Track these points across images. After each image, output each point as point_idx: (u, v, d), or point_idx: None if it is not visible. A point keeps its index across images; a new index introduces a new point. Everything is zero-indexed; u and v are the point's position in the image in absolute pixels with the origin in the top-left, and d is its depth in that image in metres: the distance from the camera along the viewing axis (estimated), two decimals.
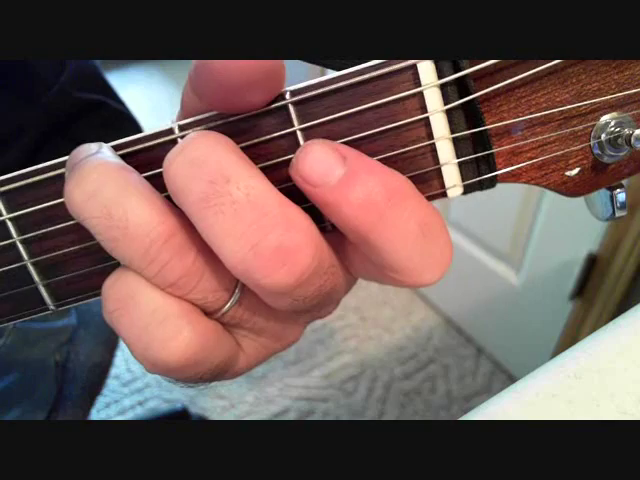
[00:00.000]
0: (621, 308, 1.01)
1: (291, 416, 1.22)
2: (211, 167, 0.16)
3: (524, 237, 1.13)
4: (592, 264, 1.01)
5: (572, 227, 1.02)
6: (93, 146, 0.19)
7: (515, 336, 1.26)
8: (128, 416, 1.24)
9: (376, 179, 0.17)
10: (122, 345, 1.52)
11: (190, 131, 0.19)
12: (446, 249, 0.18)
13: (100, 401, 1.26)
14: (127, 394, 1.30)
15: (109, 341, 0.67)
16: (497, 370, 1.32)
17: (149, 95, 2.53)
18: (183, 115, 0.21)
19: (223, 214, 0.16)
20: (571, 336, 1.10)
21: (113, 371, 1.29)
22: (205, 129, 0.19)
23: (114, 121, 0.49)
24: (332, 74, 0.18)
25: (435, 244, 0.18)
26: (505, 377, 1.30)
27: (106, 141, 0.48)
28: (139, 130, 0.52)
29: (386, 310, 1.46)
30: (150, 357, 0.19)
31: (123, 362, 1.36)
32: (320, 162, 0.17)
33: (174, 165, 0.17)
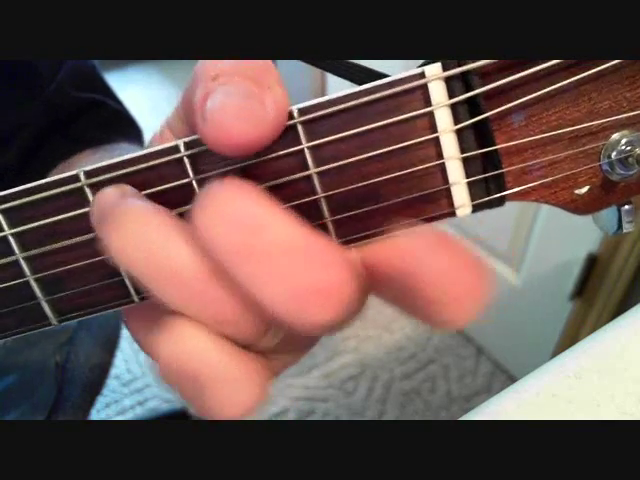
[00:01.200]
0: (621, 308, 1.02)
1: (291, 416, 1.22)
2: (240, 219, 0.16)
3: (524, 237, 1.14)
4: (592, 264, 1.01)
5: (572, 227, 1.02)
6: (115, 191, 0.19)
7: (515, 336, 1.27)
8: (128, 416, 1.24)
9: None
10: (122, 345, 1.52)
11: (196, 150, 0.18)
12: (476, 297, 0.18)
13: (100, 401, 1.26)
14: (127, 394, 1.31)
15: (109, 342, 0.67)
16: (497, 370, 1.33)
17: (148, 95, 2.53)
18: (184, 116, 0.20)
19: (258, 264, 0.16)
20: (571, 336, 1.10)
21: (113, 371, 1.29)
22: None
23: (113, 121, 0.49)
24: (340, 93, 0.18)
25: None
26: (505, 377, 1.31)
27: (106, 140, 0.47)
28: (138, 130, 0.51)
29: (386, 310, 1.46)
30: (206, 413, 0.19)
31: (123, 362, 1.37)
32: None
33: (204, 220, 0.17)
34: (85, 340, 0.63)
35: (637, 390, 0.28)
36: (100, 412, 1.25)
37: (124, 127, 0.50)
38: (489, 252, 1.26)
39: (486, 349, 1.36)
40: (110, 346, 0.67)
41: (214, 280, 0.17)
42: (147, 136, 0.53)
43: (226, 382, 0.18)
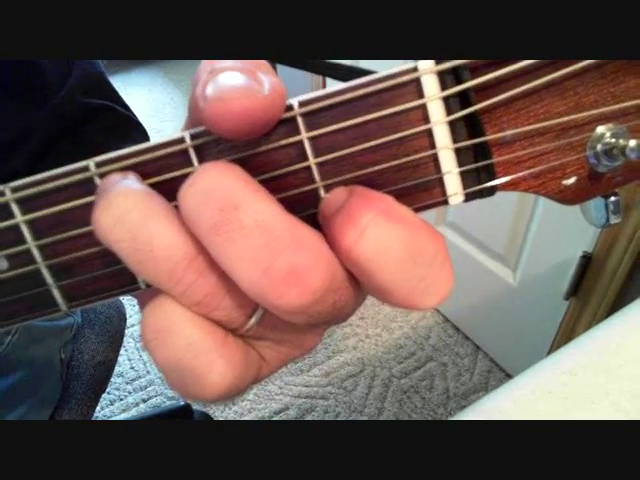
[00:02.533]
0: (615, 307, 1.02)
1: (291, 413, 1.23)
2: (219, 195, 0.17)
3: (520, 237, 1.14)
4: (587, 264, 1.02)
5: (567, 227, 1.02)
6: (118, 175, 0.19)
7: (512, 335, 1.27)
8: (132, 413, 1.25)
9: (359, 198, 0.18)
10: (126, 344, 1.52)
11: (201, 140, 0.19)
12: (445, 278, 0.18)
13: (104, 398, 1.26)
14: (131, 392, 1.31)
15: (113, 339, 0.67)
16: (494, 368, 1.33)
17: (151, 97, 2.54)
18: (191, 121, 0.21)
19: (233, 240, 0.17)
20: (567, 334, 1.10)
21: (117, 369, 1.28)
22: (214, 139, 0.19)
23: (121, 126, 0.50)
24: (338, 86, 0.19)
25: (430, 272, 0.18)
26: (502, 375, 1.31)
27: (113, 145, 0.48)
28: (145, 135, 0.52)
29: (385, 309, 1.47)
30: (185, 390, 0.19)
31: (127, 360, 1.37)
32: (332, 195, 0.19)
33: (186, 197, 0.17)
34: (89, 338, 0.64)
35: (631, 387, 0.28)
36: (104, 409, 1.25)
37: (132, 132, 0.50)
38: (486, 253, 1.26)
39: (483, 348, 1.37)
40: (114, 344, 0.67)
41: (193, 263, 0.18)
42: (151, 137, 0.54)
43: (200, 357, 0.19)
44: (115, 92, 0.50)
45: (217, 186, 0.17)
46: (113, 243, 0.18)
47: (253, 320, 0.20)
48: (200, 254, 0.18)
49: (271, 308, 0.18)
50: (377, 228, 0.17)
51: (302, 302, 0.17)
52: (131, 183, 0.19)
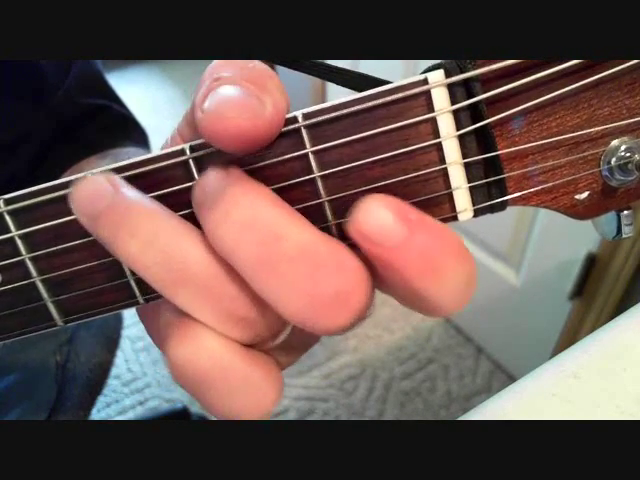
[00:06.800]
0: (620, 308, 1.02)
1: (291, 416, 1.23)
2: (259, 229, 0.16)
3: (524, 237, 1.14)
4: (591, 264, 1.02)
5: (571, 227, 1.02)
6: (108, 187, 0.18)
7: (515, 336, 1.27)
8: (128, 416, 1.24)
9: (435, 241, 0.16)
10: (122, 345, 1.52)
11: (202, 152, 0.19)
12: (473, 286, 0.18)
13: (100, 401, 1.26)
14: (127, 394, 1.31)
15: (109, 341, 0.67)
16: (497, 370, 1.33)
17: (149, 95, 2.54)
18: (187, 123, 0.21)
19: (279, 272, 0.16)
20: (570, 336, 1.10)
21: (114, 371, 1.28)
22: (216, 151, 0.19)
23: (119, 125, 0.49)
24: (345, 98, 0.18)
25: (469, 289, 0.18)
26: (505, 377, 1.31)
27: (112, 145, 0.48)
28: (144, 134, 0.52)
29: (386, 310, 1.46)
30: (227, 415, 0.19)
31: (124, 362, 1.37)
32: (382, 221, 0.16)
33: (222, 229, 0.17)
34: (85, 340, 0.64)
35: (636, 390, 0.28)
36: (100, 412, 1.25)
37: (130, 131, 0.50)
38: (489, 252, 1.26)
39: (486, 349, 1.37)
40: (111, 346, 0.67)
41: (230, 279, 0.17)
42: (149, 135, 0.53)
43: (245, 385, 0.18)
44: (112, 91, 0.50)
45: (256, 217, 0.16)
46: (145, 269, 0.17)
47: (285, 333, 0.20)
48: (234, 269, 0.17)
49: (315, 330, 0.17)
50: (455, 272, 0.17)
51: (348, 322, 0.17)
52: (142, 199, 0.18)
